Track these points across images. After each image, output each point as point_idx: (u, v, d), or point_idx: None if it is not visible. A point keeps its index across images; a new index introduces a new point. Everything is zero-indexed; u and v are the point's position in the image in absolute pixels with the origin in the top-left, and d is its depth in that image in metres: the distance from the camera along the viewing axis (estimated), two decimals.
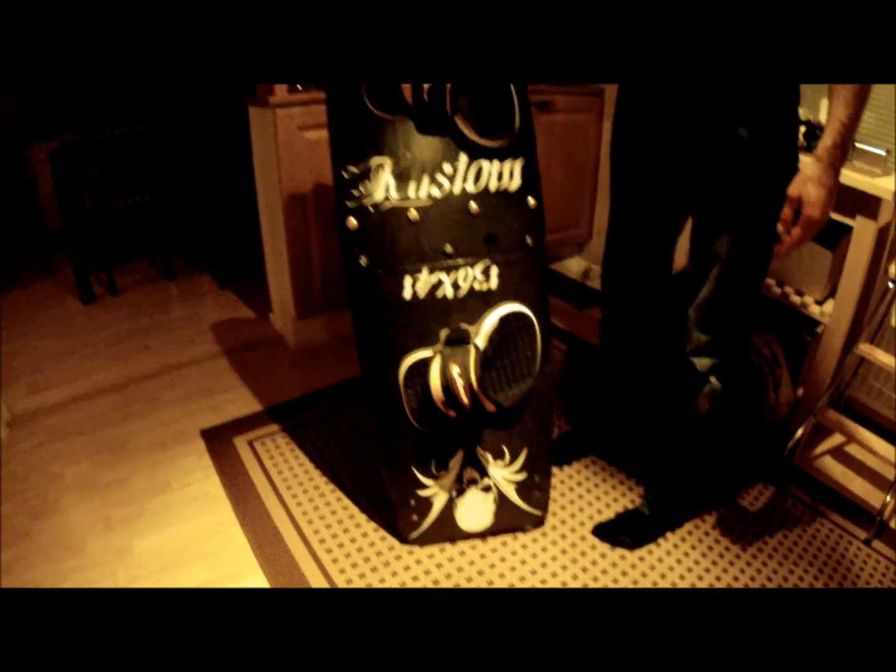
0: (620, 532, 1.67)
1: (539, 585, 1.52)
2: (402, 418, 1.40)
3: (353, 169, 1.23)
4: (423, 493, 1.52)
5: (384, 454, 1.49)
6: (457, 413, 1.36)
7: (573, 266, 3.23)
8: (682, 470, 1.65)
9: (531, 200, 1.40)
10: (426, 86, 1.24)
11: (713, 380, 1.44)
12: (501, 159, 1.36)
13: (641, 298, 1.58)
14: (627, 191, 1.49)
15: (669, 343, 1.50)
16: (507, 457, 1.51)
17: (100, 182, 2.98)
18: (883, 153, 1.95)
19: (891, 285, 1.82)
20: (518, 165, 1.38)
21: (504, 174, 1.36)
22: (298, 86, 2.14)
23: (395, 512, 1.57)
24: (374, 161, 1.25)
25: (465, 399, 1.31)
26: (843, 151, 1.21)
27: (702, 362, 1.43)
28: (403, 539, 1.61)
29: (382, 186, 1.26)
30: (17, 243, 3.74)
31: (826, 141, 1.19)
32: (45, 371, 2.55)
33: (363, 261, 1.28)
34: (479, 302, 1.39)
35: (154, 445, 2.07)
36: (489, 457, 1.51)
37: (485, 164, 1.34)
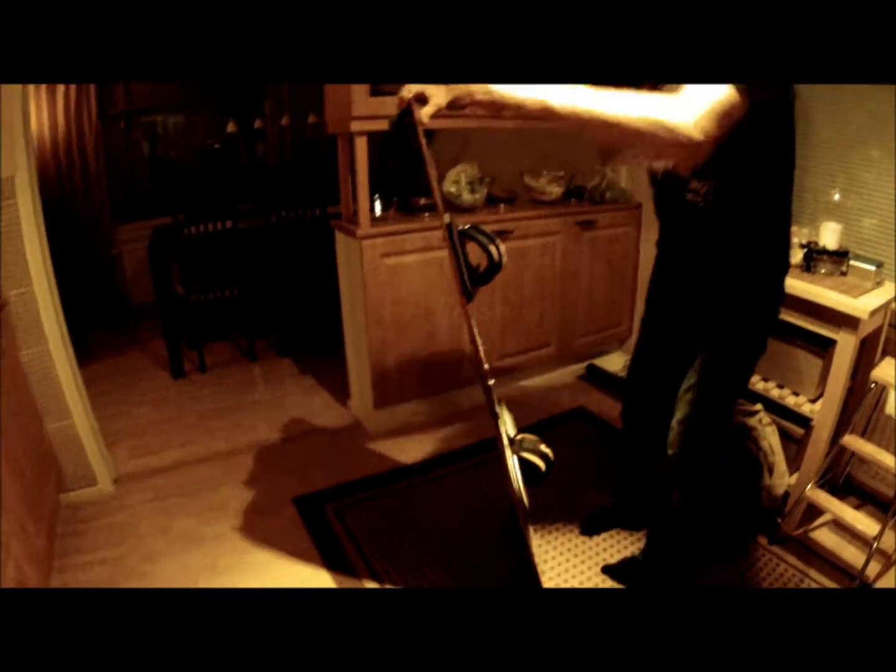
0: (621, 573, 2.25)
1: None
2: None
3: None
4: None
5: None
6: None
7: (615, 361, 3.87)
8: (667, 534, 2.21)
9: None
10: None
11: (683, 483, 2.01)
12: None
13: (652, 408, 2.15)
14: (651, 325, 2.09)
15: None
16: None
17: (192, 274, 3.65)
18: (873, 268, 2.48)
19: (873, 386, 2.35)
20: None
21: None
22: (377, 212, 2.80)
23: None
24: None
25: None
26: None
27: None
28: None
29: None
30: (104, 315, 4.45)
31: None
32: (145, 437, 3.17)
33: None
34: None
35: (253, 508, 2.62)
36: None
37: None
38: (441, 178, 3.07)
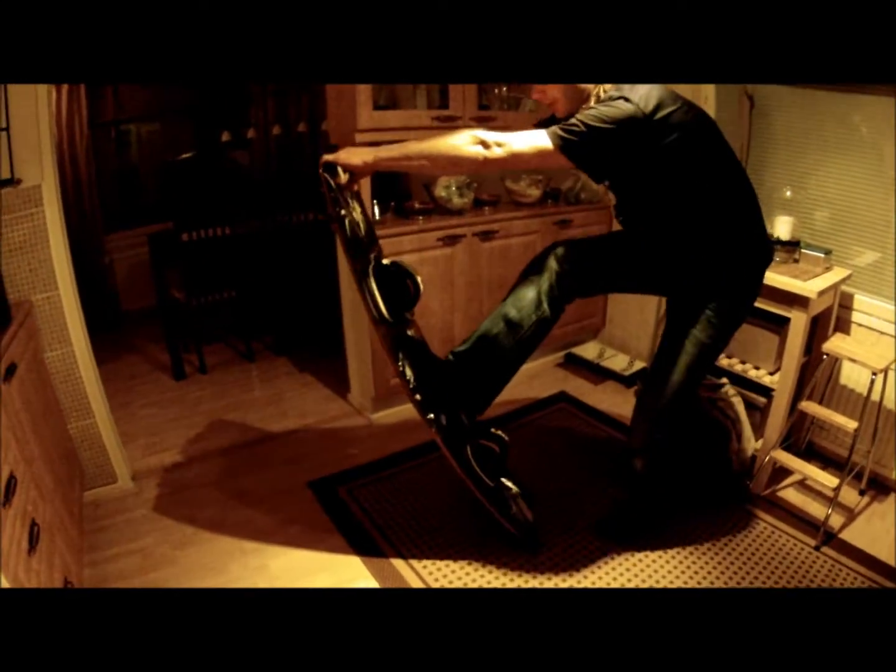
0: (608, 530, 2.61)
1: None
2: None
3: None
4: None
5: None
6: None
7: (591, 349, 4.31)
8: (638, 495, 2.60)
9: None
10: None
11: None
12: None
13: None
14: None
15: None
16: None
17: (191, 279, 3.90)
18: (821, 255, 2.86)
19: (825, 358, 2.72)
20: None
21: None
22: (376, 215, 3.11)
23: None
24: None
25: None
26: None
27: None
28: None
29: None
30: (97, 322, 4.63)
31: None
32: (156, 436, 3.38)
33: None
34: None
35: (271, 494, 2.87)
36: None
37: None
38: (433, 184, 3.41)
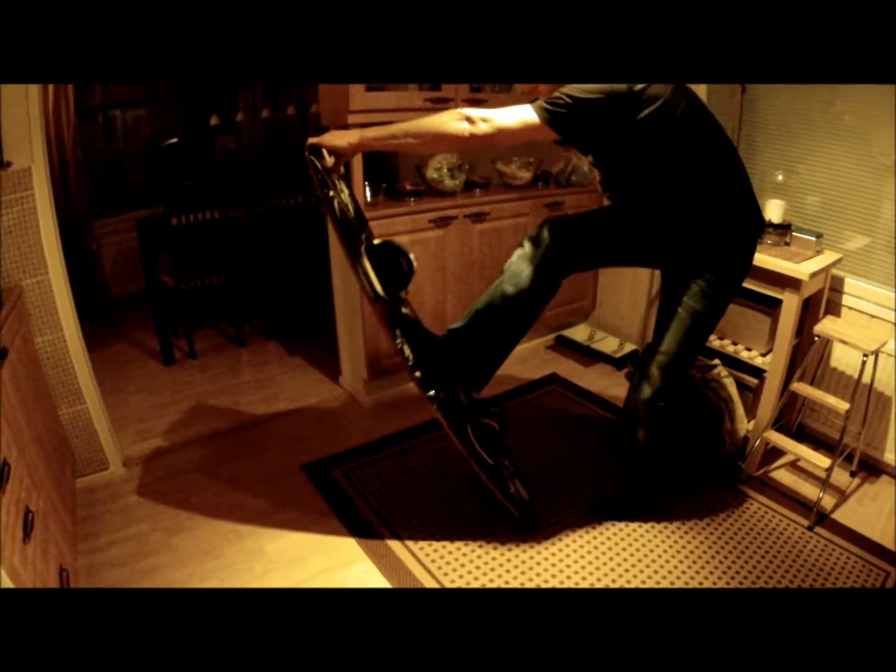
0: (604, 510, 2.62)
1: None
2: None
3: None
4: None
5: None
6: None
7: (580, 331, 4.31)
8: (638, 472, 2.62)
9: None
10: None
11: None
12: None
13: None
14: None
15: None
16: None
17: (180, 263, 3.85)
18: (813, 239, 2.86)
19: (816, 339, 2.73)
20: None
21: None
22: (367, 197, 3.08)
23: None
24: None
25: None
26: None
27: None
28: None
29: None
30: (85, 309, 4.58)
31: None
32: (146, 422, 3.34)
33: None
34: None
35: (264, 478, 2.85)
36: None
37: None
38: (424, 166, 3.38)
